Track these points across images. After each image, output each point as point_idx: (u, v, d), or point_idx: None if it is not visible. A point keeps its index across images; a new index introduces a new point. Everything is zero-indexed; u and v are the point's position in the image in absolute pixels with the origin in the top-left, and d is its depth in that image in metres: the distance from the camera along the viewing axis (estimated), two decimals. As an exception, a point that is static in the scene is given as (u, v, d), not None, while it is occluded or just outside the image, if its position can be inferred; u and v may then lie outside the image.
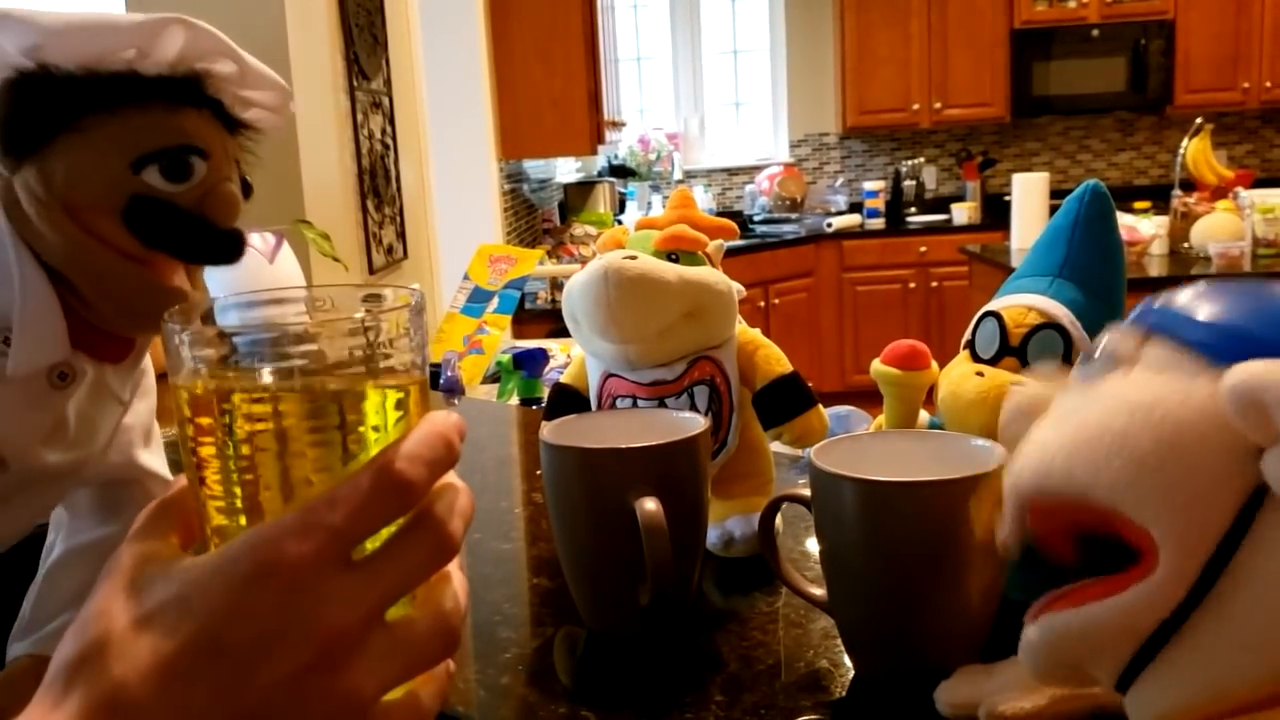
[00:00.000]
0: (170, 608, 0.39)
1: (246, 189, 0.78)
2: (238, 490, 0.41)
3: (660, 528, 0.73)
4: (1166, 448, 0.44)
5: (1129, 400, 0.46)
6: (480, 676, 0.77)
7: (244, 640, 0.38)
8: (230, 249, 0.73)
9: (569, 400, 0.98)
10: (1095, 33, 6.22)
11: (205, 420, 0.41)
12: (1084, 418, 0.47)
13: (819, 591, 0.76)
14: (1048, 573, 0.79)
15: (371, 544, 0.40)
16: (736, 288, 0.94)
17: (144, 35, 0.70)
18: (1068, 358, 0.76)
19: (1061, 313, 0.77)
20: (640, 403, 0.91)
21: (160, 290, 0.71)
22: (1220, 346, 0.46)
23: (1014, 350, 0.77)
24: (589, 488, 0.78)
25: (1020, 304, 0.78)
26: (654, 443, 0.78)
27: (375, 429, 0.42)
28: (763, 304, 5.94)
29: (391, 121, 2.72)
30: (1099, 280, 0.79)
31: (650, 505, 0.73)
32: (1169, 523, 0.44)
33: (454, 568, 0.44)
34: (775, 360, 0.92)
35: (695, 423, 0.81)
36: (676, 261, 0.90)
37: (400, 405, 0.42)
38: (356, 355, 0.41)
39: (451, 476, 0.43)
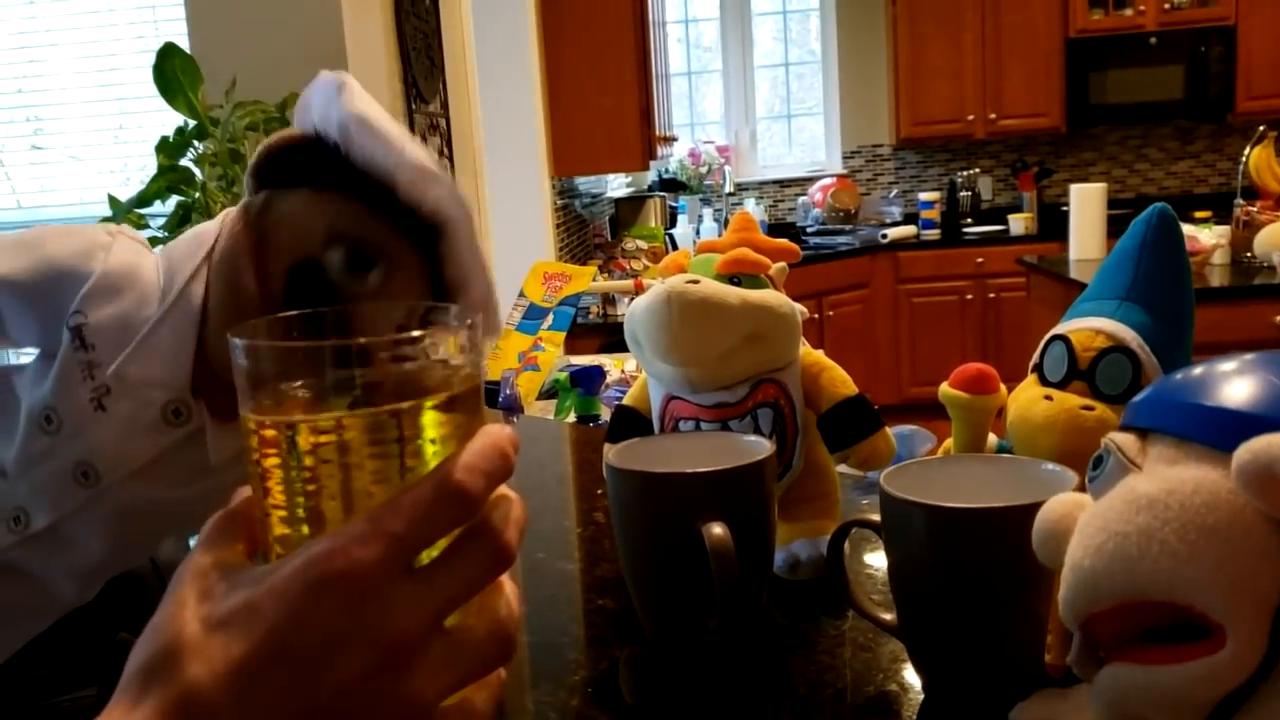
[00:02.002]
0: (241, 613, 0.40)
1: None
2: (300, 501, 0.43)
3: (728, 552, 0.73)
4: (1194, 535, 0.45)
5: (1143, 496, 0.47)
6: (550, 698, 0.78)
7: (311, 644, 0.39)
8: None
9: (631, 422, 0.98)
10: (1153, 40, 6.15)
11: (269, 434, 0.43)
12: (1105, 523, 0.48)
13: (888, 615, 0.76)
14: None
15: (427, 555, 0.42)
16: (799, 309, 0.95)
17: (415, 174, 0.73)
18: (1136, 381, 0.75)
19: (1130, 336, 0.76)
20: (703, 425, 0.92)
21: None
22: (1221, 434, 0.46)
23: (1082, 374, 0.77)
24: (655, 512, 0.78)
25: (1088, 327, 0.77)
26: (720, 467, 0.78)
27: (433, 442, 0.43)
28: (817, 316, 5.92)
29: (448, 143, 2.75)
30: (1167, 303, 0.78)
31: (718, 530, 0.74)
32: (1224, 606, 0.44)
33: (505, 578, 0.45)
34: (841, 382, 0.92)
35: (761, 447, 0.82)
36: (739, 284, 0.90)
37: (457, 418, 0.44)
38: (415, 370, 0.43)
39: (505, 489, 0.44)
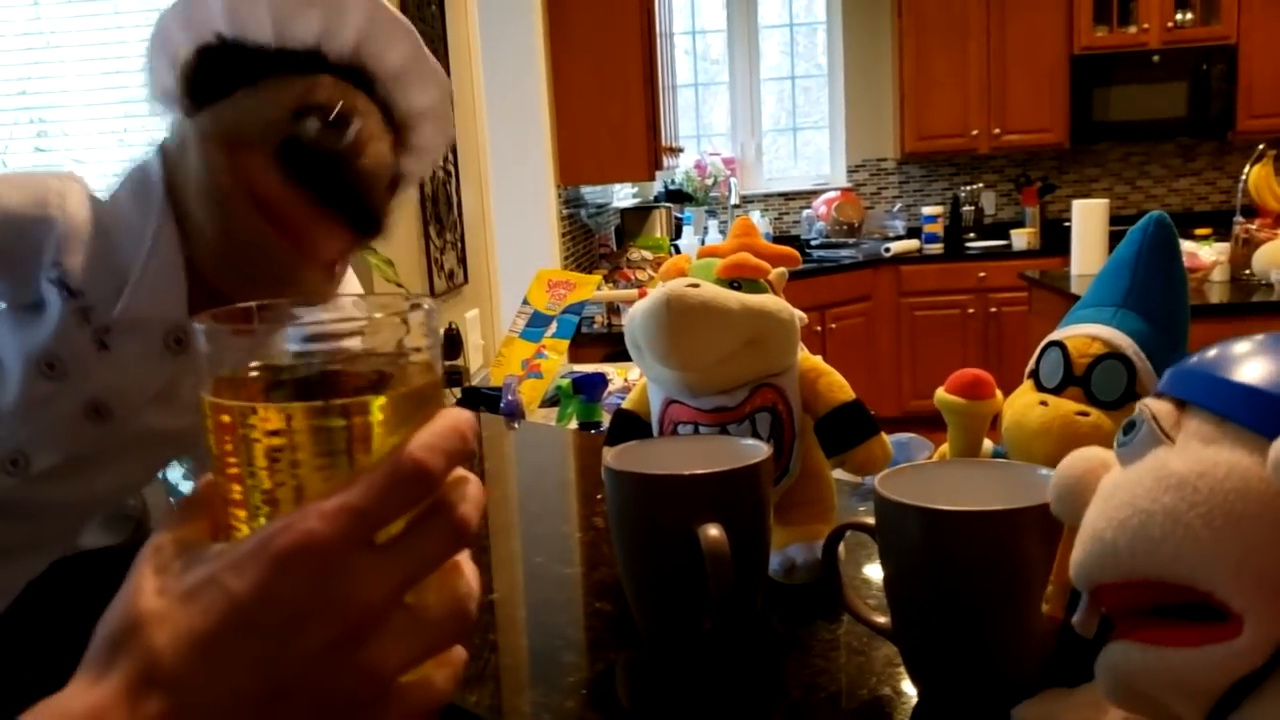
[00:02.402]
0: (206, 587, 0.41)
1: (394, 183, 0.83)
2: (254, 483, 0.44)
3: (724, 554, 0.73)
4: (1220, 521, 0.44)
5: (1173, 475, 0.46)
6: (545, 700, 0.78)
7: (276, 617, 0.40)
8: (367, 210, 0.77)
9: (631, 426, 0.99)
10: (1156, 58, 6.17)
11: (225, 418, 0.43)
12: (1132, 498, 0.47)
13: (883, 619, 0.77)
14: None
15: (386, 533, 0.43)
16: (798, 315, 0.95)
17: (331, 6, 0.76)
18: (1131, 388, 0.76)
19: (1126, 343, 0.77)
20: (702, 429, 0.92)
21: (276, 254, 0.75)
22: (1263, 419, 0.45)
23: (1078, 380, 0.77)
24: (652, 514, 0.79)
25: (1084, 334, 0.78)
26: (718, 469, 0.78)
27: (384, 427, 0.43)
28: (819, 328, 5.93)
29: (453, 149, 2.76)
30: (1163, 310, 0.78)
31: (714, 532, 0.74)
32: (1246, 596, 0.44)
33: (464, 558, 0.46)
34: (838, 388, 0.93)
35: (758, 450, 0.82)
36: (739, 289, 0.91)
37: (411, 407, 0.44)
38: (371, 358, 0.44)
39: (463, 470, 0.45)
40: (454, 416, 0.44)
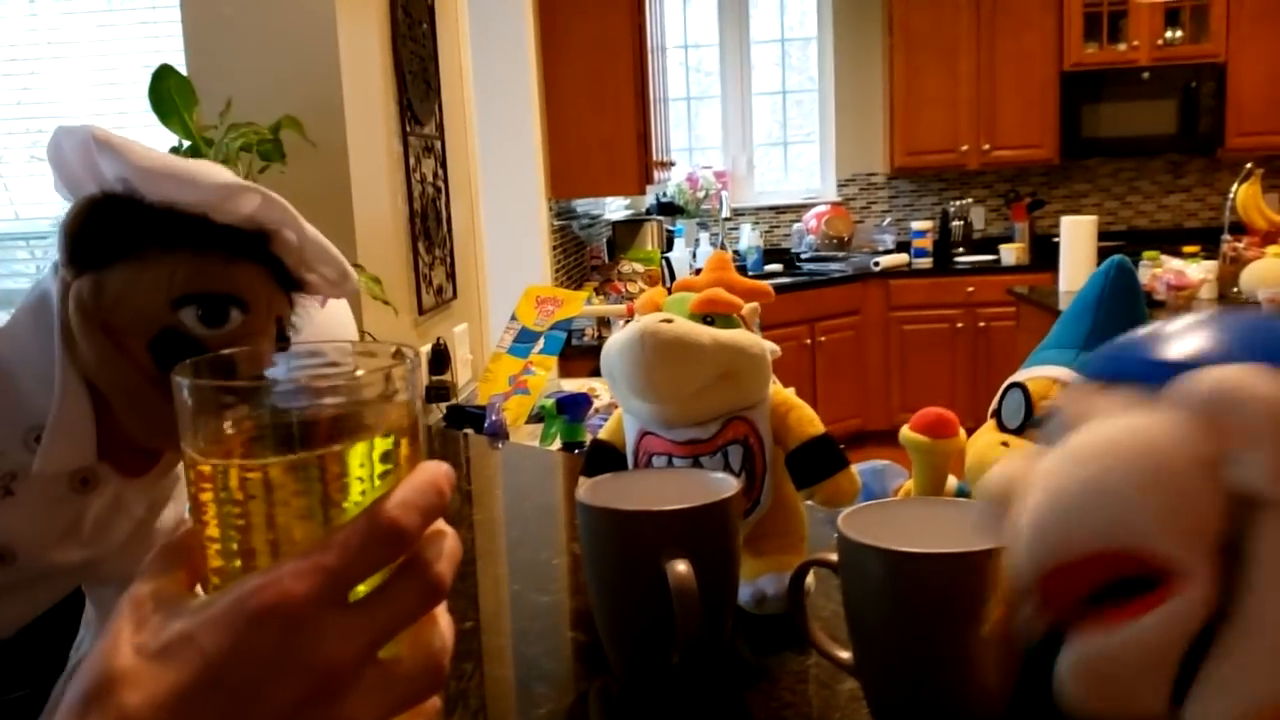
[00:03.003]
0: (177, 643, 0.41)
1: (284, 343, 0.81)
2: (233, 534, 0.44)
3: (691, 590, 0.75)
4: (1137, 478, 0.45)
5: (1090, 446, 0.47)
6: (515, 730, 0.80)
7: (246, 674, 0.41)
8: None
9: (606, 457, 1.00)
10: (1145, 75, 6.21)
11: (205, 469, 0.44)
12: (1057, 479, 0.47)
13: (846, 654, 0.78)
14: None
15: (364, 587, 0.43)
16: (770, 348, 0.97)
17: (223, 193, 0.74)
18: (1093, 429, 0.78)
19: (1087, 385, 0.78)
20: (675, 461, 0.94)
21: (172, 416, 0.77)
22: (1158, 378, 0.46)
23: (1039, 422, 0.79)
24: (622, 548, 0.80)
25: (1046, 376, 0.80)
26: (686, 506, 0.80)
27: (361, 480, 0.44)
28: (809, 342, 5.95)
29: (443, 165, 2.77)
30: (1124, 353, 0.80)
31: (681, 568, 0.76)
32: (1183, 547, 0.44)
33: (440, 610, 0.47)
34: (808, 421, 0.95)
35: (727, 484, 0.84)
36: (712, 324, 0.92)
37: (388, 458, 0.45)
38: (349, 408, 0.45)
39: (441, 523, 0.46)
40: (431, 471, 0.45)
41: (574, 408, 1.94)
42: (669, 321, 0.89)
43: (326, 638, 0.41)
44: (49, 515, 0.77)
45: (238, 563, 0.45)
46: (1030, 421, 0.79)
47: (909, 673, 0.72)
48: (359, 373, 0.47)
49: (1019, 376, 0.82)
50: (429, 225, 2.59)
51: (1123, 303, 0.81)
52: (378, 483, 0.45)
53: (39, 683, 0.97)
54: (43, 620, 0.89)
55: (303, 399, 0.45)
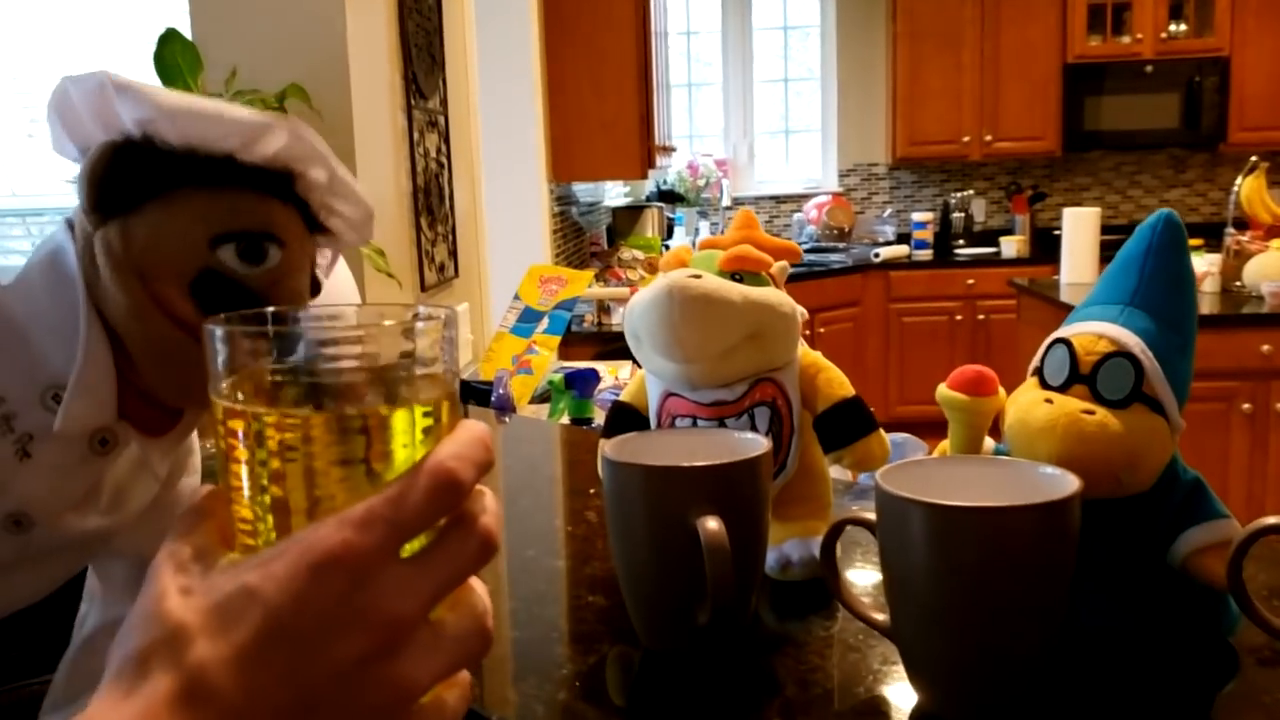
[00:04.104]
0: (238, 598, 0.40)
1: (315, 288, 0.79)
2: (266, 496, 0.43)
3: (723, 547, 0.72)
4: None
5: None
6: (537, 692, 0.77)
7: (311, 626, 0.40)
8: None
9: (628, 418, 0.97)
10: (1149, 68, 6.19)
11: (237, 424, 0.43)
12: None
13: (881, 616, 0.75)
14: (1120, 597, 0.78)
15: (410, 548, 0.42)
16: (800, 310, 0.94)
17: (249, 131, 0.71)
18: (1138, 386, 0.75)
19: (1133, 341, 0.76)
20: (700, 423, 0.91)
21: (202, 363, 0.74)
22: None
23: (1084, 378, 0.76)
24: (651, 505, 0.78)
25: (1091, 331, 0.77)
26: (718, 462, 0.77)
27: (404, 434, 0.43)
28: (807, 333, 5.90)
29: (446, 141, 2.74)
30: (1171, 309, 0.78)
31: (713, 524, 0.73)
32: None
33: (474, 578, 0.46)
34: (837, 383, 0.92)
35: (758, 443, 0.81)
36: (740, 282, 0.90)
37: (430, 415, 0.44)
38: (387, 367, 0.44)
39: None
40: (476, 427, 0.44)
41: (583, 383, 1.91)
42: (697, 277, 0.86)
43: (388, 591, 0.41)
44: (68, 479, 0.74)
45: (270, 520, 0.43)
46: (1075, 377, 0.76)
47: (952, 633, 0.69)
48: (391, 324, 0.46)
49: (1062, 332, 0.79)
50: (431, 201, 2.56)
51: (1169, 258, 0.78)
52: (420, 437, 0.44)
53: (33, 646, 0.94)
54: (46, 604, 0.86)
55: (343, 351, 0.44)
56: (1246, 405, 3.80)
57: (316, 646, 0.40)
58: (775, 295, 0.90)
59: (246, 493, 0.43)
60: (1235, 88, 6.15)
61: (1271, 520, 0.70)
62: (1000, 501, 0.68)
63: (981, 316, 6.15)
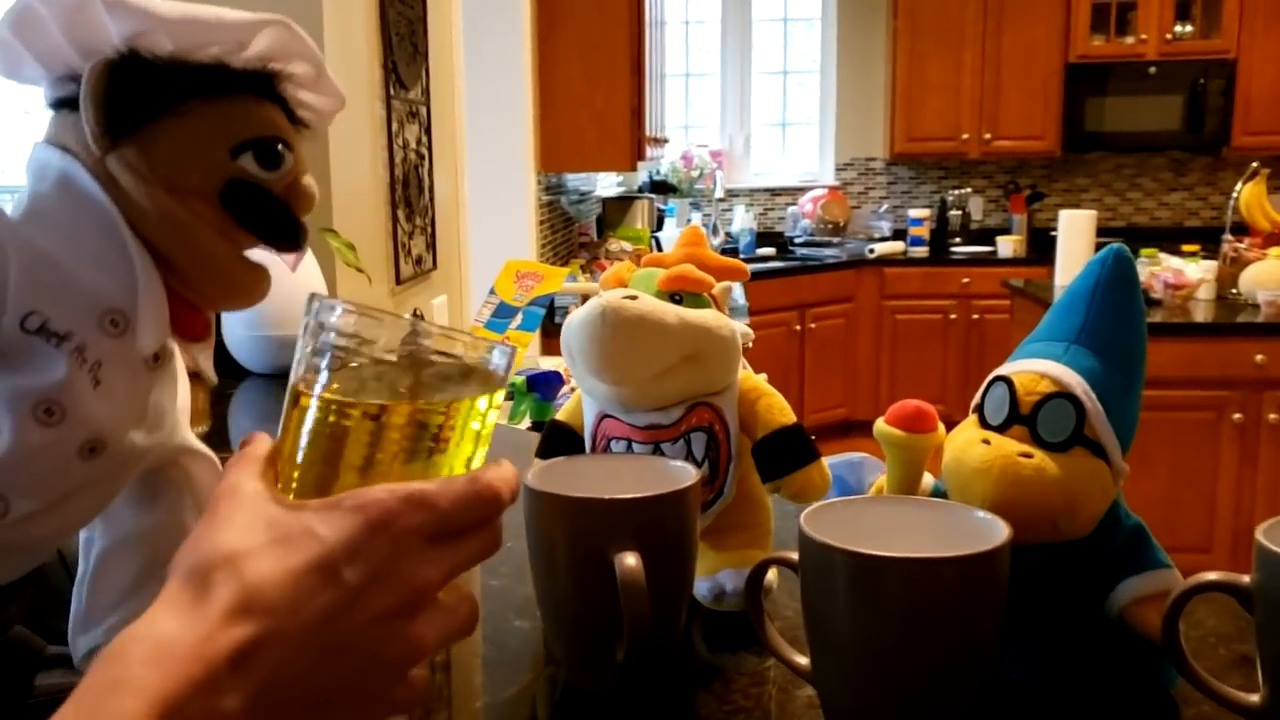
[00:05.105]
0: (299, 534, 0.47)
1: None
2: (330, 461, 0.52)
3: (639, 585, 0.69)
4: None
5: None
6: (446, 728, 0.74)
7: (357, 574, 0.46)
8: (301, 238, 0.77)
9: (563, 438, 0.95)
10: (1153, 70, 6.14)
11: (307, 400, 0.52)
12: None
13: (804, 660, 0.72)
14: (1054, 647, 0.75)
15: None
16: (743, 331, 0.91)
17: (242, 33, 0.72)
18: (1079, 429, 0.72)
19: (1075, 381, 0.73)
20: (635, 446, 0.88)
21: (256, 267, 0.74)
22: None
23: (1024, 418, 0.73)
24: (570, 537, 0.75)
25: (1033, 370, 0.74)
26: (639, 495, 0.74)
27: (457, 433, 0.53)
28: (799, 328, 5.89)
29: (428, 131, 2.70)
30: (1118, 349, 0.74)
31: (630, 561, 0.70)
32: None
33: None
34: (778, 410, 0.89)
35: (686, 474, 0.78)
36: (680, 303, 0.86)
37: (480, 424, 0.54)
38: (459, 367, 0.53)
39: None
40: (510, 465, 0.53)
41: (545, 386, 1.88)
42: (633, 298, 0.83)
43: (422, 562, 0.48)
44: (132, 400, 0.74)
45: (317, 472, 0.52)
46: (1014, 417, 0.73)
47: (868, 685, 0.66)
48: (473, 346, 0.54)
49: (1004, 370, 0.76)
50: (410, 193, 2.53)
51: (1119, 294, 0.75)
52: (466, 442, 0.53)
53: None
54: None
55: (431, 352, 0.53)
56: (1237, 415, 3.76)
57: (358, 594, 0.46)
58: (714, 318, 0.87)
59: (304, 458, 0.52)
60: (1240, 91, 6.09)
61: (1211, 576, 0.67)
62: (928, 548, 0.65)
63: (976, 316, 6.12)
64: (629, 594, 0.69)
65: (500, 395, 0.55)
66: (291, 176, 0.73)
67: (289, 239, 0.75)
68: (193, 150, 0.70)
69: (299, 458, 0.52)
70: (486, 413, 0.54)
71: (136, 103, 0.70)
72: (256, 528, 0.47)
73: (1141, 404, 0.77)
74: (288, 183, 0.73)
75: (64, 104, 0.72)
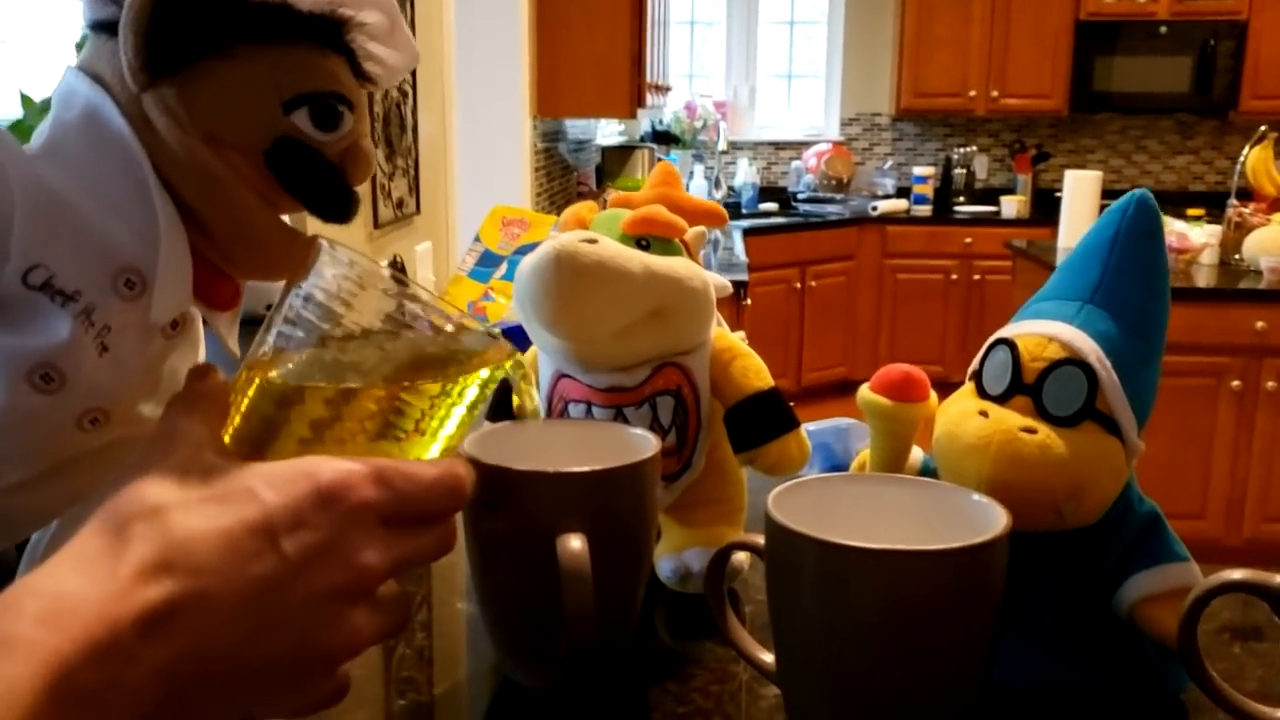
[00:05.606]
0: (238, 493, 0.42)
1: None
2: (274, 427, 0.49)
3: (583, 574, 0.60)
4: None
5: None
6: (366, 724, 0.66)
7: (297, 545, 0.42)
8: (352, 210, 0.68)
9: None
10: (1163, 29, 6.01)
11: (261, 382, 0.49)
12: None
13: (768, 657, 0.64)
14: (1052, 650, 0.67)
15: None
16: (718, 283, 0.82)
17: None
18: (1091, 402, 0.63)
19: (1088, 347, 0.63)
20: (595, 410, 0.79)
21: (294, 235, 0.65)
22: None
23: (1028, 388, 0.64)
24: (509, 515, 0.65)
25: (1040, 333, 0.65)
26: (590, 468, 0.65)
27: (426, 426, 0.51)
28: (799, 285, 5.80)
29: (412, 72, 2.59)
30: (1137, 310, 0.65)
31: (575, 545, 0.61)
32: None
33: None
34: (754, 373, 0.80)
35: (646, 444, 0.69)
36: (647, 249, 0.77)
37: (467, 416, 0.53)
38: (446, 351, 0.51)
39: None
40: (468, 464, 0.51)
41: (519, 340, 1.79)
42: (592, 242, 0.74)
43: (371, 545, 0.44)
44: (142, 370, 0.66)
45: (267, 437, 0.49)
46: (1017, 387, 0.64)
47: (838, 692, 0.58)
48: (468, 326, 0.52)
49: (1007, 331, 0.67)
50: (390, 132, 2.42)
51: (1141, 248, 0.66)
52: (433, 431, 0.51)
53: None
54: None
55: (423, 326, 0.50)
56: (1236, 382, 3.69)
57: (296, 567, 0.42)
58: (685, 267, 0.77)
59: (257, 406, 0.49)
60: (1251, 54, 5.97)
61: (1236, 575, 0.58)
62: (913, 537, 0.56)
63: (977, 277, 6.02)
64: (572, 584, 0.60)
65: (475, 384, 0.52)
66: (349, 140, 0.65)
67: (338, 211, 0.67)
68: (240, 99, 0.62)
69: (252, 416, 0.49)
70: (462, 400, 0.52)
71: (183, 37, 0.61)
72: (190, 479, 0.43)
73: (1160, 374, 0.68)
74: (344, 146, 0.64)
75: (103, 27, 0.63)
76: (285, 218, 0.66)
